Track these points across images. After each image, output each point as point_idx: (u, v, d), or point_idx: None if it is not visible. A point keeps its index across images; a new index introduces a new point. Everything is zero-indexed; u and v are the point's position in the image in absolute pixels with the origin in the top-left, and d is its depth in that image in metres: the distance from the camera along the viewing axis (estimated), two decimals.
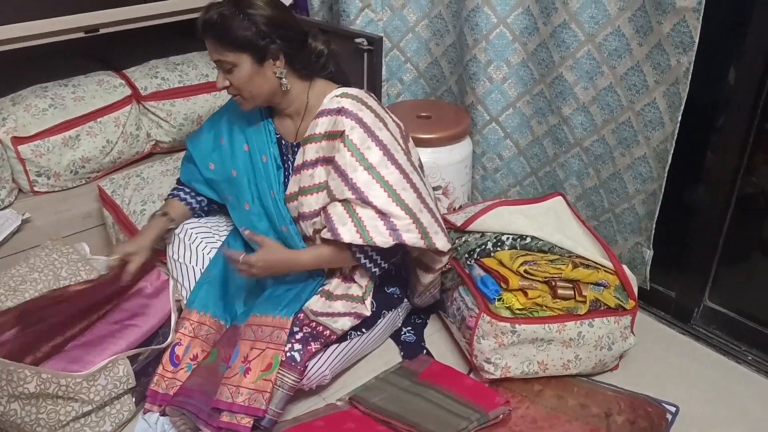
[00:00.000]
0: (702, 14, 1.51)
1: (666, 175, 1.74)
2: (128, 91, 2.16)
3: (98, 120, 2.07)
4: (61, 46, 1.96)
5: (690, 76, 1.58)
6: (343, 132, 1.51)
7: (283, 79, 1.55)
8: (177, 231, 1.74)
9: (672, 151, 1.69)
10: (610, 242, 1.97)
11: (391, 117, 1.64)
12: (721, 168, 1.76)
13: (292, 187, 1.63)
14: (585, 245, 1.72)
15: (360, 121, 1.52)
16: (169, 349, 1.57)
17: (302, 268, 1.60)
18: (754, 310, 1.85)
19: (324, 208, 1.55)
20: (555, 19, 1.84)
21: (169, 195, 1.80)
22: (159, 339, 1.62)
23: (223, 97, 2.32)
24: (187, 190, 1.78)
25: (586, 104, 1.89)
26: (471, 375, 1.67)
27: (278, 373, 1.45)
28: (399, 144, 1.58)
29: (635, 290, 1.68)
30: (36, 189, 2.03)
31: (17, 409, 1.40)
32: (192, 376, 1.53)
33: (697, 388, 1.67)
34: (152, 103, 2.19)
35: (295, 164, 1.62)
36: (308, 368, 1.51)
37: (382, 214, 1.51)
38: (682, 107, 1.62)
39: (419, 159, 1.74)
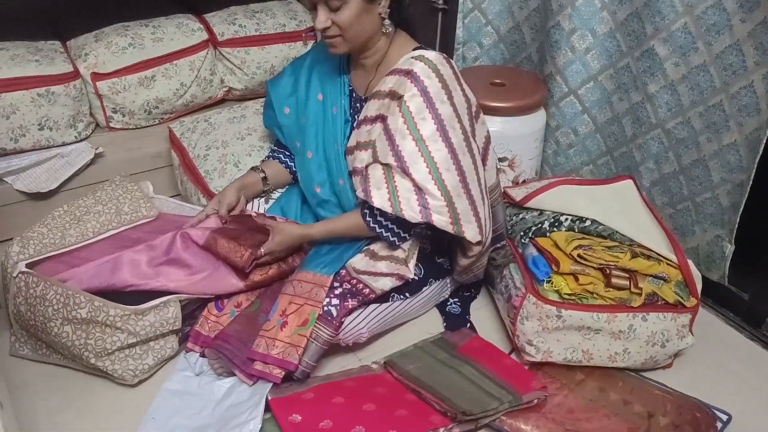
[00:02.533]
0: None
1: (756, 165, 1.59)
2: (205, 36, 2.19)
3: (174, 62, 2.11)
4: None
5: None
6: (402, 96, 1.47)
7: (386, 20, 1.51)
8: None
9: (765, 141, 1.55)
10: (686, 232, 1.85)
11: (462, 89, 1.54)
12: None
13: (352, 141, 1.61)
14: (650, 234, 1.61)
15: (423, 90, 1.46)
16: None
17: (315, 240, 1.63)
18: None
19: (366, 167, 1.53)
20: None
21: (267, 157, 1.84)
22: None
23: (297, 49, 2.31)
24: (287, 152, 1.79)
25: (674, 82, 1.75)
26: (512, 355, 1.63)
27: (314, 327, 1.46)
28: (460, 120, 1.50)
29: (699, 287, 1.57)
30: (111, 125, 2.11)
31: (69, 332, 1.48)
32: (233, 323, 1.56)
33: (757, 399, 1.56)
34: (228, 50, 2.21)
35: (360, 119, 1.60)
36: (345, 324, 1.51)
37: (419, 189, 1.47)
38: None
39: (488, 132, 1.66)
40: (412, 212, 1.48)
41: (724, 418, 1.47)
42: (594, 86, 1.99)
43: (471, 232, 1.51)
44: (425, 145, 1.46)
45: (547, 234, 1.63)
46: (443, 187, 1.47)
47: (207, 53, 2.18)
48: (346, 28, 1.47)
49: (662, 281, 1.53)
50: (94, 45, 2.04)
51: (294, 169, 1.78)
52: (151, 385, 1.54)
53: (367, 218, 1.55)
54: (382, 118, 1.53)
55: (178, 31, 2.14)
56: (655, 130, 1.85)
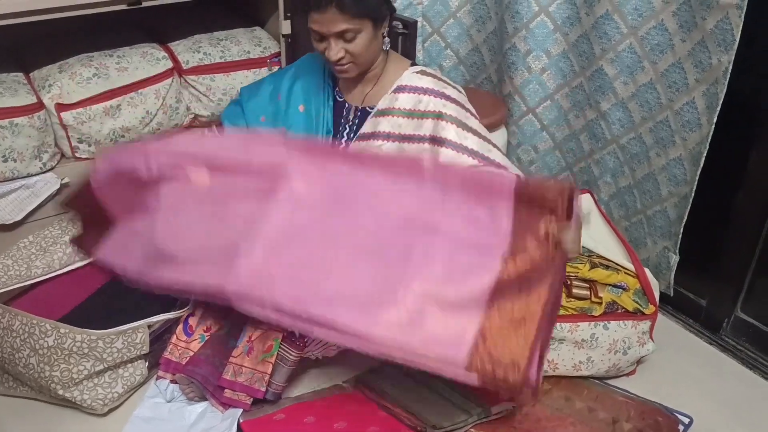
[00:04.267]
0: (744, 11, 1.43)
1: (697, 178, 1.66)
2: (170, 64, 2.20)
3: (139, 91, 2.12)
4: (109, 16, 2.01)
5: (728, 77, 1.50)
6: (439, 112, 1.54)
7: (386, 38, 1.58)
8: None
9: (705, 154, 1.62)
10: (639, 245, 1.91)
11: (458, 87, 1.64)
12: (760, 175, 1.67)
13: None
14: (608, 245, 1.67)
15: (449, 98, 1.55)
16: (183, 319, 1.62)
17: None
18: None
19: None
20: (598, 10, 1.77)
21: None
22: (175, 307, 1.66)
23: (262, 75, 2.34)
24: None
25: (625, 100, 1.83)
26: None
27: (279, 350, 1.48)
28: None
29: (657, 295, 1.62)
30: (77, 155, 2.11)
31: (34, 363, 1.47)
32: (203, 347, 1.57)
33: (717, 402, 1.61)
34: (193, 77, 2.23)
35: (363, 131, 1.62)
36: (309, 339, 1.53)
37: (503, 168, 1.54)
38: (718, 109, 1.54)
39: None
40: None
41: (686, 421, 1.52)
42: (551, 105, 2.05)
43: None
44: (482, 134, 1.55)
45: None
46: (509, 164, 1.57)
47: (172, 81, 2.20)
48: (359, 55, 1.53)
49: (621, 290, 1.58)
50: (58, 76, 2.05)
51: None
52: (121, 413, 1.54)
53: None
54: (402, 137, 1.57)
55: (143, 60, 2.16)
56: (610, 145, 1.92)
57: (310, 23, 1.50)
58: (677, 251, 1.77)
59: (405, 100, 1.57)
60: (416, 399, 1.50)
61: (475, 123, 1.56)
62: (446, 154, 1.52)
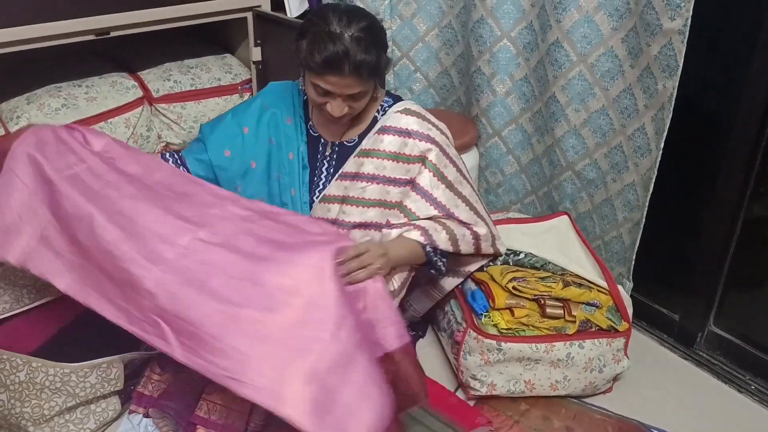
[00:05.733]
0: (687, 37, 1.46)
1: (648, 203, 1.68)
2: (140, 93, 2.19)
3: (109, 120, 2.11)
4: (78, 46, 2.00)
5: (673, 102, 1.54)
6: (423, 156, 1.54)
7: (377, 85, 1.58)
8: None
9: (654, 179, 1.64)
10: None
11: (439, 128, 1.62)
12: (726, 192, 1.70)
13: (335, 191, 1.61)
14: (582, 263, 1.68)
15: (433, 141, 1.55)
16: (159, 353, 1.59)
17: (395, 261, 1.51)
18: (760, 338, 1.78)
19: (410, 223, 1.54)
20: (549, 37, 1.80)
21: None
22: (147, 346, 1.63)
23: (234, 101, 2.34)
24: (176, 157, 1.69)
25: (577, 127, 1.85)
26: (458, 391, 1.65)
27: None
28: (458, 157, 1.62)
29: (630, 312, 1.64)
30: None
31: (4, 400, 1.44)
32: (177, 381, 1.54)
33: (693, 416, 1.62)
34: (163, 106, 2.22)
35: (346, 170, 1.60)
36: None
37: (466, 225, 1.57)
38: (665, 134, 1.58)
39: None
40: (467, 247, 1.59)
41: None
42: (516, 128, 2.06)
43: (502, 248, 1.68)
44: (456, 188, 1.57)
45: (484, 269, 1.68)
46: (482, 218, 1.61)
47: (142, 110, 2.19)
48: (359, 109, 1.53)
49: (594, 308, 1.59)
50: (26, 107, 2.03)
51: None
52: None
53: (427, 248, 1.53)
54: (387, 180, 1.56)
55: (112, 89, 2.15)
56: (566, 172, 1.93)
57: (318, 81, 1.43)
58: (631, 278, 1.79)
59: (390, 143, 1.55)
60: None
61: (452, 172, 1.56)
62: (414, 198, 1.54)
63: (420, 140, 1.54)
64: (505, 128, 2.07)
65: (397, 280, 1.57)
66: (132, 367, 1.58)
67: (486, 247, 1.63)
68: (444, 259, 1.58)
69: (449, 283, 1.70)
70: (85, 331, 1.62)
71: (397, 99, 1.64)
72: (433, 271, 1.59)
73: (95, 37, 1.97)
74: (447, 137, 1.61)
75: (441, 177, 1.54)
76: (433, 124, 1.58)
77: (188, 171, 1.65)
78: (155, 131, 2.25)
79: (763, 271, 1.81)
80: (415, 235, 1.51)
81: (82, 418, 1.49)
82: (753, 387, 1.73)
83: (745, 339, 1.80)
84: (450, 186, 1.56)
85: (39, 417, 1.44)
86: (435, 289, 1.73)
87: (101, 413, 1.52)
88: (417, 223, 1.54)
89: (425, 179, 1.54)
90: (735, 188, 1.69)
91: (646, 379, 1.73)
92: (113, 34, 1.99)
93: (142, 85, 2.23)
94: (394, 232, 1.54)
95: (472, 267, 1.68)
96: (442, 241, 1.53)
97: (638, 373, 1.72)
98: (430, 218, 1.55)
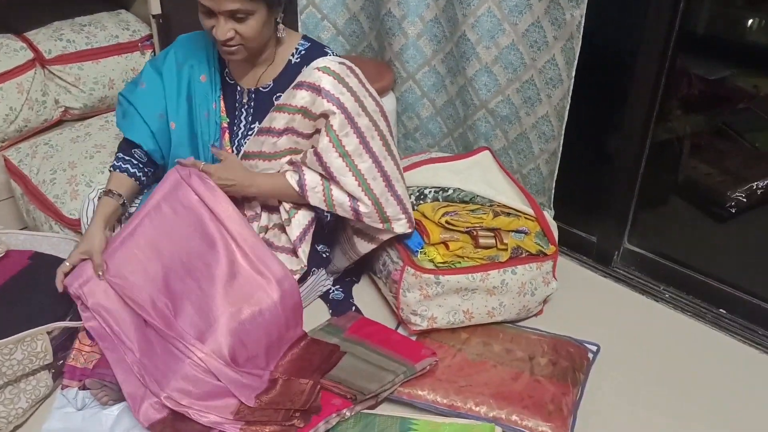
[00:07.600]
0: None
1: (564, 132, 1.75)
2: (31, 55, 2.04)
3: (0, 86, 1.95)
4: None
5: (582, 31, 1.59)
6: (326, 116, 1.50)
7: (280, 24, 1.52)
8: (91, 195, 1.65)
9: (568, 108, 1.71)
10: None
11: (370, 94, 1.58)
12: (633, 117, 1.79)
13: (253, 147, 1.59)
14: (508, 194, 1.73)
15: (341, 106, 1.50)
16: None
17: (257, 192, 1.58)
18: (670, 251, 1.91)
19: (299, 167, 1.56)
20: None
21: (112, 167, 1.63)
22: (72, 316, 1.55)
23: (135, 59, 2.22)
24: (135, 161, 1.63)
25: (489, 64, 1.88)
26: (399, 329, 1.68)
27: None
28: (377, 127, 1.56)
29: (556, 236, 1.71)
30: None
31: None
32: None
33: (618, 327, 1.73)
34: (58, 67, 2.08)
35: (262, 126, 1.57)
36: None
37: (351, 197, 1.56)
38: (575, 64, 1.63)
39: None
40: (344, 211, 1.58)
41: (594, 348, 1.62)
42: (429, 71, 2.07)
43: (401, 228, 1.61)
44: (351, 159, 1.53)
45: (415, 207, 1.70)
46: (372, 196, 1.56)
47: (35, 73, 2.03)
48: (250, 38, 1.46)
49: (524, 234, 1.65)
50: None
51: (142, 179, 1.65)
52: (28, 429, 1.43)
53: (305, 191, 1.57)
54: (295, 132, 1.55)
55: None
56: (480, 111, 1.97)
57: None
58: (552, 206, 1.87)
59: (302, 98, 1.52)
60: (342, 367, 1.49)
61: (352, 142, 1.52)
62: (311, 152, 1.54)
63: (328, 101, 1.49)
64: (419, 71, 2.08)
65: (296, 228, 1.62)
66: (59, 340, 1.49)
67: (372, 222, 1.59)
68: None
69: (364, 246, 1.69)
70: (11, 304, 1.52)
71: (318, 46, 1.60)
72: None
73: None
74: (362, 104, 1.53)
75: (337, 144, 1.51)
76: (349, 89, 1.52)
77: (151, 168, 1.67)
78: (51, 96, 2.11)
79: (669, 189, 1.93)
80: (293, 181, 1.56)
81: (12, 398, 1.40)
82: (667, 295, 1.86)
83: (657, 253, 1.93)
84: (345, 155, 1.52)
85: None
86: (352, 250, 1.72)
87: (32, 391, 1.44)
88: (304, 170, 1.56)
89: (322, 142, 1.52)
90: (642, 113, 1.78)
91: (572, 298, 1.82)
92: None
93: (32, 47, 2.07)
94: (284, 166, 1.59)
95: (385, 236, 1.65)
96: (316, 200, 1.57)
97: (564, 294, 1.81)
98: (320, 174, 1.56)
